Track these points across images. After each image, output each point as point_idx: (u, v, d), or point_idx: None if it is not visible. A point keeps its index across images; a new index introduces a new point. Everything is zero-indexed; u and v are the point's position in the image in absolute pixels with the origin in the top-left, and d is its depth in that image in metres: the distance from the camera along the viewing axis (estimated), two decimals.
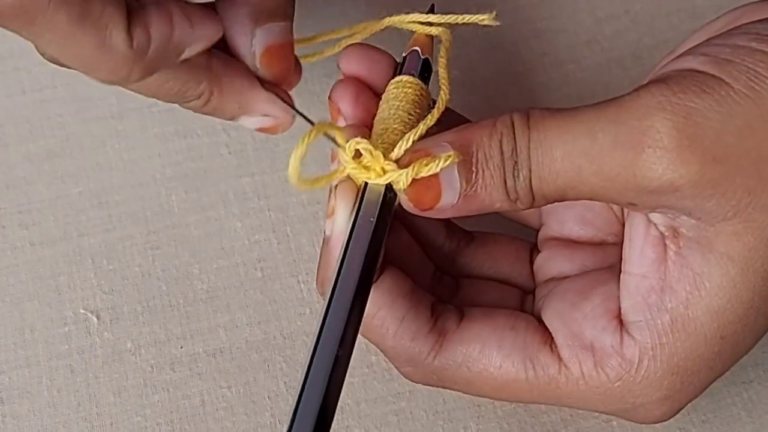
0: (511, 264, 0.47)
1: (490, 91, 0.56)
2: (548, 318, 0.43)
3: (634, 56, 0.57)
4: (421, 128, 0.42)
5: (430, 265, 0.46)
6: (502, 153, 0.40)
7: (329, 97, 0.45)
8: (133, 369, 0.48)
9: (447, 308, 0.44)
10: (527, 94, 0.56)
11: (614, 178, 0.38)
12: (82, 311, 0.50)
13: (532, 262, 0.47)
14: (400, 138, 0.42)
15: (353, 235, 0.40)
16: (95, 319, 0.49)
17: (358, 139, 0.41)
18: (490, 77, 0.56)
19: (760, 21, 0.40)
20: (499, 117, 0.40)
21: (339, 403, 0.41)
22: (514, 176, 0.39)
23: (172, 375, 0.48)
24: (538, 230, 0.48)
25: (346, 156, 0.41)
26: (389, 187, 0.41)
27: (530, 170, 0.39)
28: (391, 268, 0.43)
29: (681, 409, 0.43)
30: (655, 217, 0.40)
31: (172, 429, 0.47)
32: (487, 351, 0.42)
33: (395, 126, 0.43)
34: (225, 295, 0.50)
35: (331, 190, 0.43)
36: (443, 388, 0.45)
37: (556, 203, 0.44)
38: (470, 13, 0.46)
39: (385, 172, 0.41)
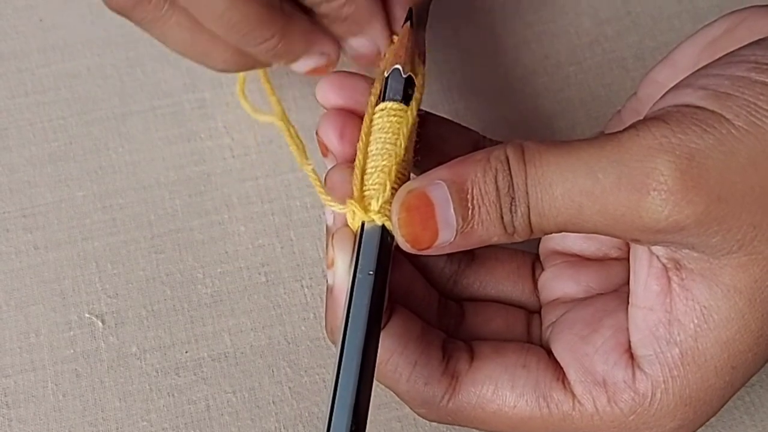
0: (513, 282, 0.47)
1: (492, 94, 0.56)
2: (558, 351, 0.43)
3: (635, 58, 0.57)
4: (394, 169, 0.42)
5: (434, 293, 0.46)
6: (497, 189, 0.39)
7: (317, 133, 0.44)
8: (139, 373, 0.48)
9: (457, 346, 0.44)
10: (529, 96, 0.56)
11: (619, 218, 0.38)
12: (87, 315, 0.50)
13: (534, 277, 0.47)
14: (391, 174, 0.41)
15: (354, 288, 0.40)
16: (100, 324, 0.50)
17: (348, 201, 0.41)
18: (491, 80, 0.56)
19: (758, 44, 0.40)
20: (493, 151, 0.40)
21: None
22: (511, 212, 0.39)
23: (177, 379, 0.48)
24: (538, 241, 0.48)
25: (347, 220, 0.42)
26: (385, 230, 0.41)
27: (528, 207, 0.39)
28: (399, 310, 0.43)
29: None
30: (657, 249, 0.40)
31: None
32: (501, 392, 0.42)
33: (384, 163, 0.42)
34: (229, 300, 0.50)
35: (327, 242, 0.42)
36: (458, 425, 0.44)
37: None
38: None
39: (379, 216, 0.41)
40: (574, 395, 0.42)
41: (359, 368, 0.39)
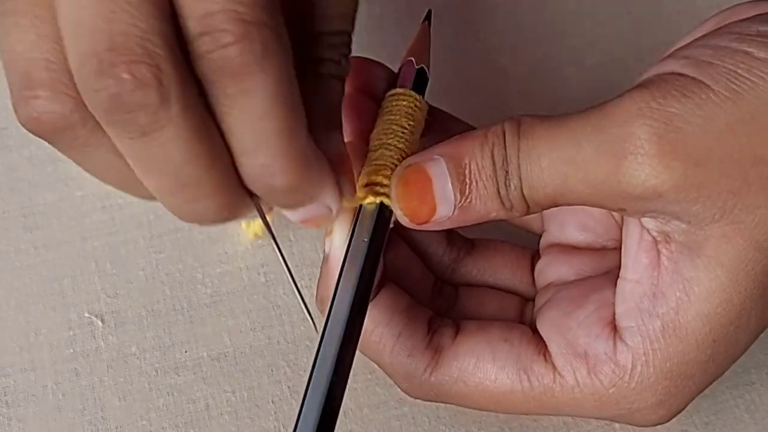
0: (511, 271, 0.47)
1: (492, 94, 0.56)
2: (543, 327, 0.44)
3: (635, 57, 0.57)
4: (396, 148, 0.43)
5: (430, 276, 0.46)
6: (494, 163, 0.40)
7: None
8: (138, 373, 0.49)
9: (443, 323, 0.44)
10: (529, 96, 0.56)
11: (599, 185, 0.39)
12: (86, 315, 0.50)
13: (532, 269, 0.48)
14: (394, 153, 0.42)
15: (347, 256, 0.41)
16: (100, 323, 0.50)
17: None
18: (491, 80, 0.56)
19: (743, 20, 0.40)
20: (491, 127, 0.40)
21: (342, 408, 0.41)
22: (506, 185, 0.40)
23: (176, 379, 0.48)
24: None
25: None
26: (384, 205, 0.42)
27: (520, 179, 0.39)
28: (389, 284, 0.44)
29: (679, 412, 0.43)
30: (648, 221, 0.40)
31: None
32: (482, 365, 0.43)
33: (389, 141, 0.43)
34: (228, 300, 0.50)
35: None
36: (441, 402, 0.45)
37: (556, 209, 0.44)
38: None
39: (377, 193, 0.42)
40: (554, 368, 0.42)
41: (343, 332, 0.39)
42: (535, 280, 0.47)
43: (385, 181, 0.42)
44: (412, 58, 0.46)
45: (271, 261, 0.51)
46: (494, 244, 0.48)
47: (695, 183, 0.38)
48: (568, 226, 0.47)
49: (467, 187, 0.40)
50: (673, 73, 0.39)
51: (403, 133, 0.43)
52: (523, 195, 0.40)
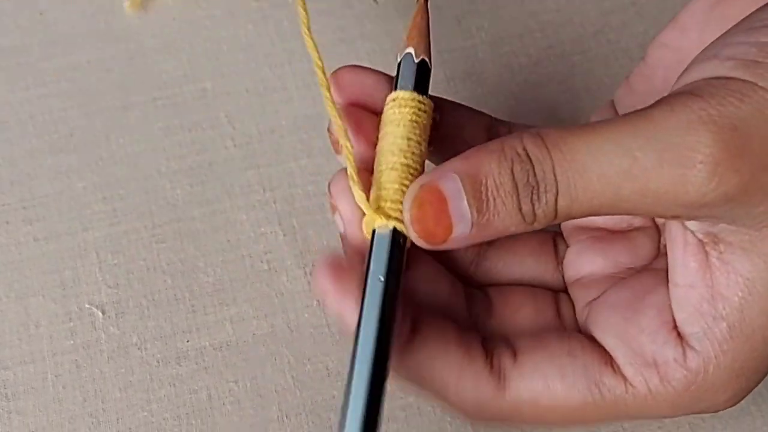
0: (536, 260, 0.46)
1: (496, 83, 0.55)
2: (601, 336, 0.42)
3: (640, 47, 0.56)
4: (403, 167, 0.41)
5: (459, 286, 0.45)
6: (514, 180, 0.38)
7: (329, 130, 0.43)
8: (139, 363, 0.48)
9: (496, 344, 0.43)
10: (533, 86, 0.56)
11: (662, 195, 0.38)
12: (87, 306, 0.49)
13: (556, 254, 0.47)
14: (402, 172, 0.41)
15: (365, 297, 0.39)
16: (100, 314, 0.49)
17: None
18: (495, 70, 0.56)
19: None
20: (507, 141, 0.39)
21: None
22: (532, 201, 0.38)
23: (178, 369, 0.48)
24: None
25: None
26: (396, 231, 0.40)
27: (557, 193, 0.38)
28: (428, 319, 0.42)
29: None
30: (692, 225, 0.40)
31: (178, 424, 0.47)
32: (551, 383, 0.41)
33: (395, 159, 0.41)
34: (231, 288, 0.50)
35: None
36: (510, 425, 0.44)
37: None
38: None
39: (389, 217, 0.40)
40: (625, 378, 0.41)
41: (370, 377, 0.37)
42: (564, 270, 0.46)
43: (396, 206, 0.40)
44: (411, 51, 0.43)
45: (274, 248, 0.51)
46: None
47: (762, 186, 0.37)
48: None
49: (485, 204, 0.39)
50: (721, 78, 0.38)
51: (408, 145, 0.41)
52: (556, 209, 0.39)
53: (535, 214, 0.39)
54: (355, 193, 0.41)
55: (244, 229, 0.51)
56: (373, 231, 0.40)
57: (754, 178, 0.37)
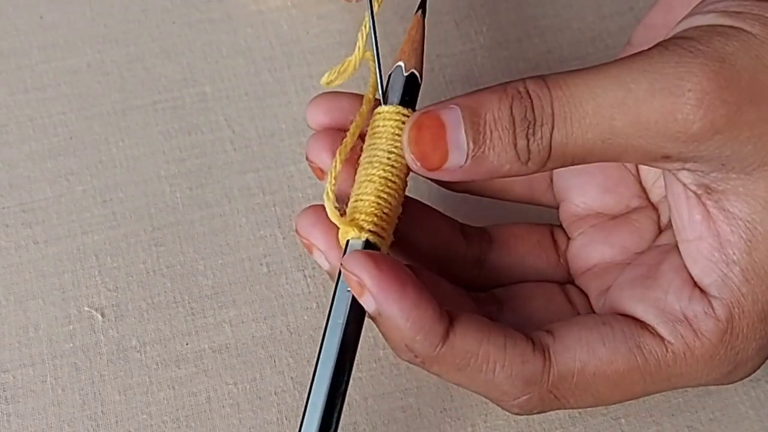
0: (537, 256, 0.47)
1: None
2: (629, 307, 0.43)
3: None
4: (338, 161, 0.42)
5: (462, 292, 0.45)
6: (512, 115, 0.39)
7: (307, 157, 0.45)
8: (138, 366, 0.48)
9: (527, 330, 0.43)
10: None
11: (652, 125, 0.38)
12: (86, 309, 0.49)
13: (556, 247, 0.47)
14: (380, 184, 0.42)
15: (324, 340, 0.41)
16: (100, 317, 0.49)
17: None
18: (493, 74, 0.56)
19: None
20: (510, 82, 0.40)
21: (346, 399, 0.41)
22: (527, 136, 0.39)
23: (177, 372, 0.48)
24: (554, 210, 0.48)
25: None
26: (369, 242, 0.41)
27: (553, 127, 0.39)
28: (461, 314, 0.42)
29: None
30: (685, 176, 0.40)
31: (177, 426, 0.47)
32: (596, 349, 0.42)
33: (372, 171, 0.42)
34: (230, 291, 0.50)
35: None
36: (556, 407, 0.43)
37: (572, 175, 0.43)
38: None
39: (361, 229, 0.41)
40: (662, 338, 0.42)
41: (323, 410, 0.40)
42: (571, 263, 0.47)
43: (370, 218, 0.41)
44: (401, 64, 0.44)
45: (274, 251, 0.51)
46: (510, 229, 0.47)
47: (748, 121, 0.38)
48: (590, 190, 0.47)
49: (481, 136, 0.39)
50: (708, 25, 0.40)
51: (389, 158, 0.42)
52: (551, 145, 0.39)
53: (529, 150, 0.39)
54: (327, 207, 0.42)
55: (243, 232, 0.51)
56: (347, 242, 0.41)
57: (740, 111, 0.38)
